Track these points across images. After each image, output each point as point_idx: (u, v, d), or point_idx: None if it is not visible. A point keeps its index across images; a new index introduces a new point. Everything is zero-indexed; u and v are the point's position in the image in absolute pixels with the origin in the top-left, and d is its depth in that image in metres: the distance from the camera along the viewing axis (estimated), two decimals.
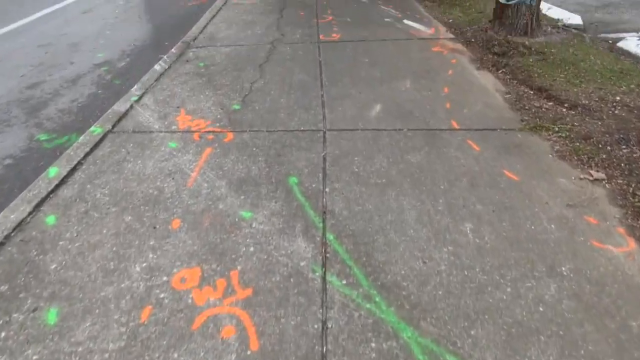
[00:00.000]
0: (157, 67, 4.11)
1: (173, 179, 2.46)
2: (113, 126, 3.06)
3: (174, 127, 3.01)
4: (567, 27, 4.66)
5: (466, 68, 3.79)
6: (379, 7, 5.84)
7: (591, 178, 2.33)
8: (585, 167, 2.44)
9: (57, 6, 6.92)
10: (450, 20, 5.11)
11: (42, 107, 3.68)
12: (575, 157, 2.52)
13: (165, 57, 4.39)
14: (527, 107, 3.10)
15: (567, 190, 2.26)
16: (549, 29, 4.52)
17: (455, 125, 2.90)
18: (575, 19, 4.91)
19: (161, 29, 5.75)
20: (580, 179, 2.34)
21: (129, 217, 2.17)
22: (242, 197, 2.29)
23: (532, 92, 3.31)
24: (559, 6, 5.59)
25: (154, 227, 2.10)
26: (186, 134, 2.93)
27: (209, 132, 2.94)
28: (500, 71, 3.66)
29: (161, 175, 2.49)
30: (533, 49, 3.92)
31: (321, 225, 2.08)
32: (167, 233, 2.06)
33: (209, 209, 2.21)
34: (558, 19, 4.90)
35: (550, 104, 3.14)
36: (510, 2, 4.00)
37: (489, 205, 2.17)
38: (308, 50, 4.36)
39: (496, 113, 3.04)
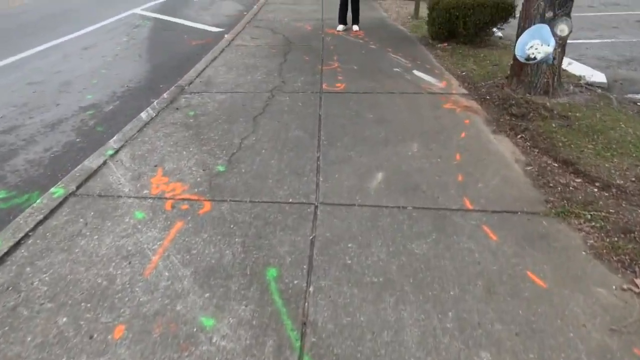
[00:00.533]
0: (143, 114, 3.80)
1: (129, 263, 2.06)
2: (78, 187, 2.69)
3: (145, 192, 2.64)
4: (590, 86, 4.30)
5: (481, 130, 3.41)
6: (388, 54, 5.56)
7: (637, 290, 1.89)
8: (628, 272, 2.00)
9: (60, 40, 6.77)
10: (464, 73, 4.78)
11: (11, 156, 3.35)
12: (614, 257, 2.08)
13: (155, 102, 4.09)
14: (551, 184, 2.68)
15: (608, 307, 1.81)
16: (571, 87, 4.16)
17: (468, 204, 2.49)
18: (599, 77, 4.56)
19: (159, 69, 5.50)
20: (623, 289, 1.90)
21: (64, 319, 1.76)
22: (207, 294, 1.88)
23: (556, 165, 2.90)
24: (578, 60, 5.27)
25: (90, 337, 1.68)
26: (158, 201, 2.54)
27: (184, 200, 2.56)
28: (520, 136, 3.28)
29: (117, 258, 2.09)
30: (555, 112, 3.55)
31: (298, 344, 1.65)
32: (104, 347, 1.64)
33: (164, 311, 1.80)
34: (580, 77, 4.55)
35: (579, 181, 2.72)
36: (529, 62, 3.66)
37: (510, 325, 1.73)
38: (309, 102, 4.03)
39: (516, 190, 2.63)
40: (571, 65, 4.77)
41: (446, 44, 5.89)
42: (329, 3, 9.27)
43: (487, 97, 4.02)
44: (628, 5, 10.39)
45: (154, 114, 3.80)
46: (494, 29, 5.92)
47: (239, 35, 6.74)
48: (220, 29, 7.65)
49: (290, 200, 2.55)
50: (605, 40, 6.64)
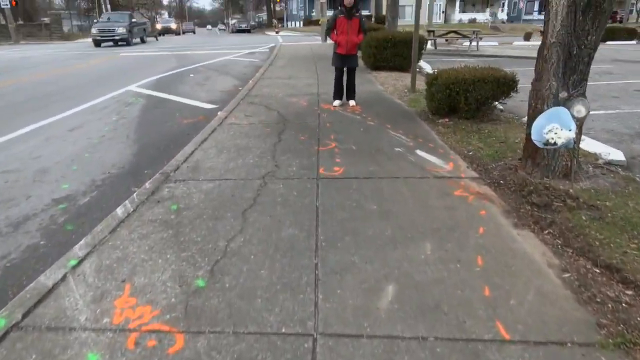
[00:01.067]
0: (119, 210, 3.39)
1: None
2: (25, 315, 2.21)
3: (105, 321, 2.15)
4: (609, 165, 3.97)
5: (501, 225, 3.00)
6: (388, 132, 5.29)
7: None
8: None
9: (47, 121, 6.55)
10: (471, 153, 4.46)
11: None
12: None
13: (135, 194, 3.70)
14: (599, 299, 2.22)
15: None
16: (591, 169, 3.82)
17: (503, 332, 2.01)
18: (616, 155, 4.25)
19: (146, 151, 5.19)
20: None
21: None
22: None
23: (598, 271, 2.45)
24: (587, 133, 5.00)
25: None
26: (119, 334, 2.05)
27: (152, 332, 2.07)
28: (547, 232, 2.86)
29: None
30: (582, 201, 3.16)
31: None
32: None
33: None
34: (596, 155, 4.24)
35: (630, 293, 2.26)
36: (547, 147, 3.32)
37: None
38: (304, 190, 3.65)
39: (558, 309, 2.16)
40: (584, 142, 4.47)
41: (447, 120, 5.66)
42: (325, 77, 9.27)
43: (501, 182, 3.66)
44: (622, 74, 10.49)
45: (132, 209, 3.39)
46: (496, 103, 5.72)
47: (232, 113, 6.54)
48: (214, 106, 7.50)
49: (283, 331, 2.06)
50: (610, 112, 6.47)
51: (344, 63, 6.56)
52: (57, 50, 21.85)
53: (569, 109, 3.27)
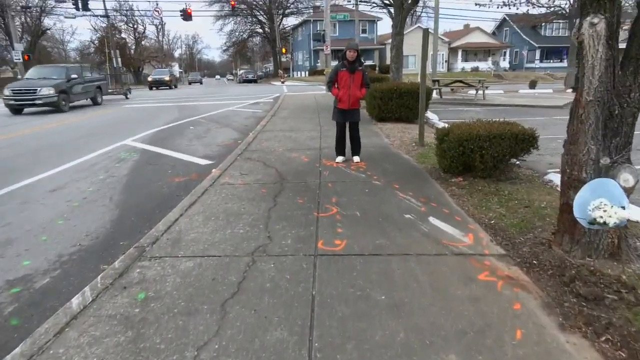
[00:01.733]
0: (75, 301, 2.82)
1: None
2: None
3: None
4: None
5: (543, 327, 2.37)
6: (396, 194, 4.75)
7: None
8: None
9: (28, 180, 6.11)
10: (492, 222, 3.89)
11: None
12: None
13: (99, 277, 3.13)
14: None
15: None
16: (638, 244, 3.21)
17: None
18: None
19: (127, 217, 4.68)
20: None
21: None
22: None
23: None
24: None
25: None
26: None
27: None
28: (604, 338, 2.23)
29: None
30: None
31: None
32: None
33: None
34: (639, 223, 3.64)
35: None
36: (593, 228, 2.75)
37: None
38: (299, 273, 3.07)
39: None
40: (628, 210, 3.89)
41: (461, 179, 5.14)
42: (328, 128, 8.90)
43: (534, 262, 3.06)
44: None
45: (90, 298, 2.82)
46: (515, 161, 5.20)
47: (227, 170, 6.07)
48: (210, 162, 7.06)
49: None
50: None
51: (345, 118, 6.15)
52: None
53: (613, 178, 2.73)
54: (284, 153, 7.05)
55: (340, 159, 6.28)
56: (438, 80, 17.34)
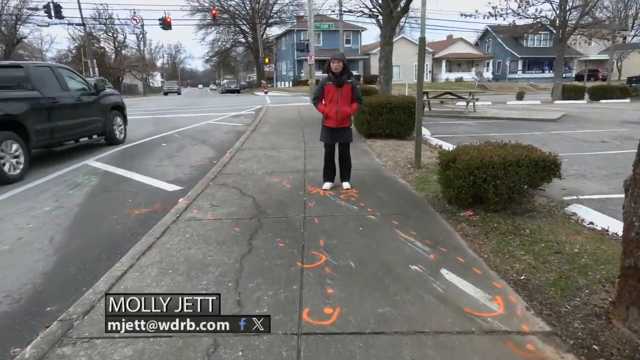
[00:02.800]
0: None
1: None
2: None
3: None
4: None
5: None
6: (397, 234, 3.94)
7: None
8: None
9: None
10: (522, 277, 3.10)
11: None
12: None
13: None
14: None
15: None
16: None
17: None
18: None
19: (66, 267, 3.78)
20: None
21: None
22: None
23: None
24: None
25: None
26: None
27: None
28: None
29: None
30: None
31: None
32: None
33: None
34: None
35: None
36: None
37: None
38: None
39: None
40: None
41: (471, 212, 4.36)
42: (313, 145, 8.08)
43: (595, 347, 2.26)
44: None
45: None
46: (534, 192, 4.45)
47: (196, 200, 5.19)
48: (178, 188, 6.17)
49: None
50: None
51: (334, 138, 5.34)
52: None
53: None
54: (264, 177, 6.20)
55: (327, 185, 5.46)
56: (427, 92, 16.71)
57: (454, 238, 3.85)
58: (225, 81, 61.38)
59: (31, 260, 3.89)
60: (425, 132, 10.14)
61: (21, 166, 6.83)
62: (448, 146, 8.28)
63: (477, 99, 16.25)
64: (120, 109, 10.33)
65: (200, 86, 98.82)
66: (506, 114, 15.29)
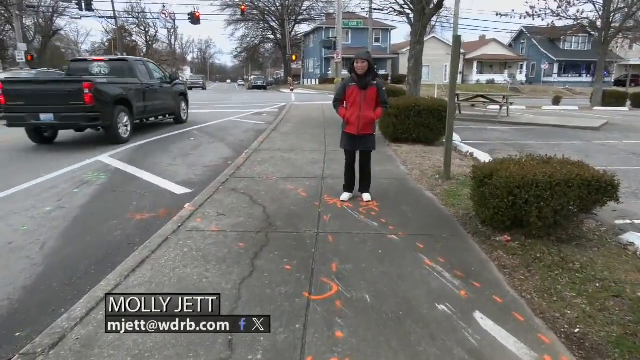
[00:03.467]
0: None
1: None
2: None
3: None
4: None
5: None
6: (421, 260, 3.42)
7: None
8: None
9: None
10: (576, 330, 2.53)
11: None
12: None
13: None
14: None
15: None
16: None
17: None
18: None
19: (50, 279, 3.42)
20: None
21: None
22: None
23: None
24: None
25: None
26: None
27: None
28: None
29: None
30: None
31: None
32: None
33: None
34: None
35: None
36: None
37: None
38: None
39: None
40: None
41: (509, 238, 3.79)
42: (334, 149, 7.58)
43: None
44: None
45: None
46: (582, 215, 3.84)
47: (203, 207, 4.78)
48: (187, 190, 5.79)
49: None
50: None
51: (355, 145, 4.83)
52: None
53: None
54: (278, 183, 5.74)
55: (346, 196, 4.96)
56: (458, 95, 15.96)
57: (489, 269, 3.29)
58: (252, 77, 61.45)
59: (15, 270, 3.55)
60: (455, 137, 9.49)
61: (128, 132, 9.46)
62: (480, 154, 7.66)
63: (511, 103, 15.40)
64: (185, 95, 13.00)
65: (229, 81, 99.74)
66: (542, 120, 14.40)
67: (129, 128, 9.45)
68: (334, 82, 23.67)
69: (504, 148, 9.31)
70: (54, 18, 53.70)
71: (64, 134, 9.92)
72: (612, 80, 46.57)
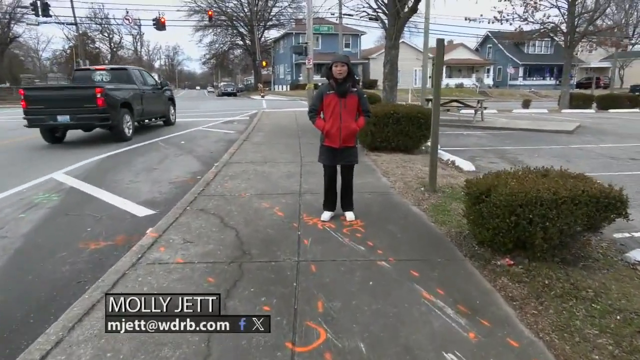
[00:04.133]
0: None
1: None
2: None
3: None
4: None
5: None
6: (418, 293, 3.00)
7: None
8: None
9: None
10: None
11: None
12: None
13: None
14: None
15: None
16: None
17: None
18: None
19: None
20: None
21: None
22: None
23: None
24: None
25: None
26: None
27: None
28: None
29: None
30: None
31: None
32: None
33: None
34: None
35: None
36: None
37: None
38: None
39: None
40: None
41: (511, 262, 3.42)
42: (310, 159, 7.15)
43: None
44: None
45: None
46: (588, 235, 3.51)
47: (167, 232, 4.24)
48: (150, 212, 5.22)
49: None
50: None
51: (336, 160, 4.40)
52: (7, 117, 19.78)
53: None
54: (252, 201, 5.24)
55: (327, 215, 4.52)
56: (431, 99, 15.83)
57: (495, 302, 2.90)
58: (222, 84, 60.45)
59: None
60: None
61: (131, 131, 10.87)
62: (462, 163, 7.39)
63: (485, 108, 15.36)
64: (173, 100, 14.58)
65: (198, 88, 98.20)
66: (517, 124, 14.40)
67: (131, 128, 10.84)
68: (305, 88, 23.27)
69: (484, 154, 9.09)
70: (11, 25, 51.40)
71: (26, 144, 9.11)
72: (574, 83, 48.11)
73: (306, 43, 20.60)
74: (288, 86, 51.11)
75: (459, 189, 5.55)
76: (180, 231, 4.27)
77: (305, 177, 6.33)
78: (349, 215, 4.51)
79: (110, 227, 4.73)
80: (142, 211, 5.28)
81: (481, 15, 22.08)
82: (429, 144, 8.84)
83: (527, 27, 22.76)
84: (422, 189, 5.65)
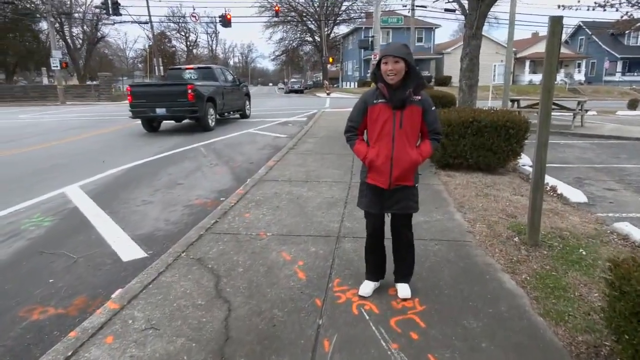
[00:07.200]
0: None
1: None
2: None
3: None
4: None
5: None
6: None
7: None
8: None
9: None
10: None
11: None
12: None
13: None
14: None
15: None
16: None
17: None
18: None
19: None
20: None
21: None
22: None
23: None
24: None
25: None
26: None
27: None
28: None
29: None
30: None
31: None
32: None
33: None
34: None
35: None
36: None
37: None
38: None
39: None
40: None
41: None
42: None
43: None
44: None
45: None
46: None
47: (135, 301, 2.95)
48: (140, 255, 4.02)
49: None
50: None
51: (385, 206, 2.82)
52: (83, 114, 20.19)
53: None
54: (269, 247, 3.81)
55: (369, 288, 2.97)
56: (517, 100, 13.47)
57: None
58: (291, 80, 60.22)
59: None
60: (523, 159, 7.19)
61: (214, 123, 12.28)
62: (569, 191, 5.42)
63: (587, 111, 12.77)
64: (248, 95, 16.14)
65: (270, 84, 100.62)
66: (629, 131, 11.70)
67: (213, 120, 12.28)
68: (370, 86, 21.58)
69: (595, 175, 6.95)
70: (99, 25, 54.57)
71: (68, 150, 8.46)
72: None
73: (373, 36, 18.85)
74: (356, 83, 49.46)
75: (574, 240, 3.72)
76: (151, 303, 2.94)
77: (351, 208, 4.79)
78: (403, 291, 2.92)
79: (77, 280, 3.54)
80: (130, 252, 4.06)
81: (579, 1, 18.84)
82: (520, 161, 6.91)
83: (637, 14, 19.16)
84: (517, 239, 3.87)
